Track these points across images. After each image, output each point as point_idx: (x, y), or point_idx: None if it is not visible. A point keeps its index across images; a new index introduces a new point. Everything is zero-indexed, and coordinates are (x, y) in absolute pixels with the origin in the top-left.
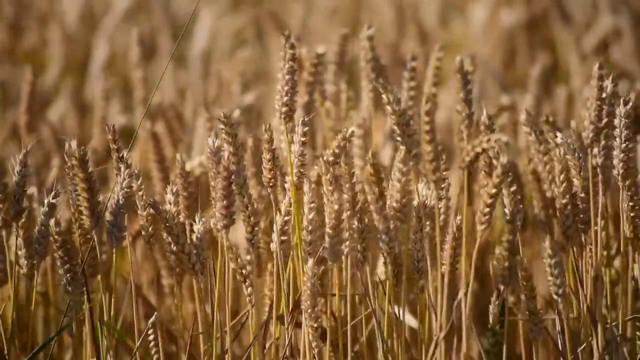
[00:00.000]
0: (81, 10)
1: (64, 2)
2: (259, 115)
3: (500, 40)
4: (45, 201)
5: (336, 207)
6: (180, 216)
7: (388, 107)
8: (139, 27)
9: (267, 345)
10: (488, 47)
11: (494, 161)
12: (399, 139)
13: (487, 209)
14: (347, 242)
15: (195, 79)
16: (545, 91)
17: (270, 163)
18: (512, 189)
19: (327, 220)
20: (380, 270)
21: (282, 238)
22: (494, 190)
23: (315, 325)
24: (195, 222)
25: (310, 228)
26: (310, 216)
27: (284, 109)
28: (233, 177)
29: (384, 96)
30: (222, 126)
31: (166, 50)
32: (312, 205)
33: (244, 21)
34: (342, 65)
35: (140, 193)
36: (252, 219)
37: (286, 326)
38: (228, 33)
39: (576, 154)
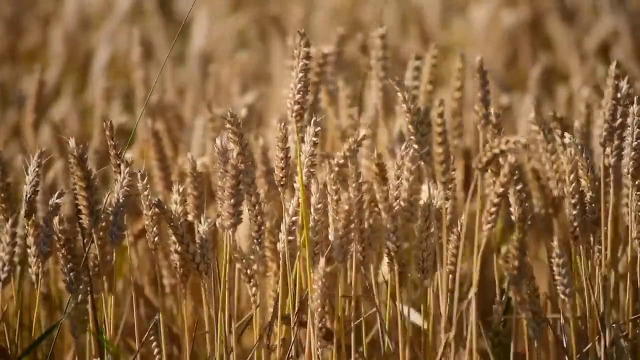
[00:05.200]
0: (82, 10)
1: (65, 2)
2: (260, 116)
3: (502, 41)
4: (50, 201)
5: (346, 207)
6: (188, 216)
7: (403, 105)
8: (139, 28)
9: (272, 346)
10: (489, 47)
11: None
12: (412, 137)
13: (494, 208)
14: (353, 242)
15: (194, 79)
16: (545, 91)
17: (282, 162)
18: (518, 187)
19: (331, 220)
20: (384, 269)
21: (290, 238)
22: (501, 190)
23: (321, 325)
24: (200, 222)
25: (317, 228)
26: (317, 217)
27: (296, 107)
28: (241, 176)
29: (399, 94)
30: (228, 125)
31: (166, 50)
32: (319, 206)
33: (245, 22)
34: (340, 65)
35: (146, 193)
36: (259, 218)
37: (292, 326)
38: (229, 34)
39: (584, 154)
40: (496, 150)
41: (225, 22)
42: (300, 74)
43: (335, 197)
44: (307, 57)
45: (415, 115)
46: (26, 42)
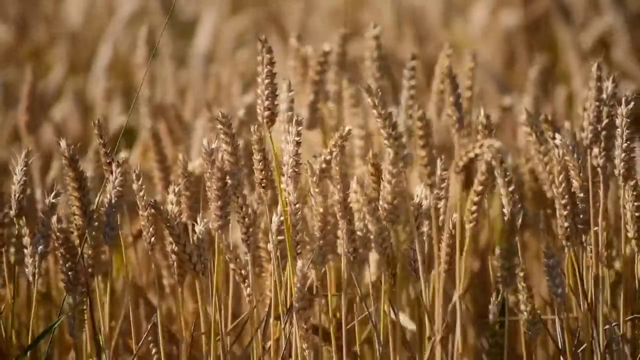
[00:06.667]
0: (85, 10)
1: (69, 3)
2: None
3: (501, 41)
4: (46, 201)
5: (321, 209)
6: (182, 216)
7: (373, 111)
8: (142, 29)
9: (267, 345)
10: (489, 47)
11: (493, 162)
12: (385, 142)
13: (475, 207)
14: (341, 243)
15: (196, 80)
16: (544, 92)
17: (261, 164)
18: (510, 188)
19: (314, 222)
20: (372, 270)
21: (279, 238)
22: (480, 188)
23: (305, 326)
24: (196, 222)
25: (298, 228)
26: (296, 216)
27: (266, 113)
28: (228, 177)
29: (368, 99)
30: (220, 126)
31: (168, 51)
32: (297, 205)
33: (246, 23)
34: (342, 65)
35: (142, 193)
36: (246, 219)
37: (282, 326)
38: (230, 34)
39: (575, 155)
40: (471, 154)
41: (227, 23)
42: (267, 81)
43: (318, 200)
44: (271, 63)
45: (386, 120)
46: (30, 42)
